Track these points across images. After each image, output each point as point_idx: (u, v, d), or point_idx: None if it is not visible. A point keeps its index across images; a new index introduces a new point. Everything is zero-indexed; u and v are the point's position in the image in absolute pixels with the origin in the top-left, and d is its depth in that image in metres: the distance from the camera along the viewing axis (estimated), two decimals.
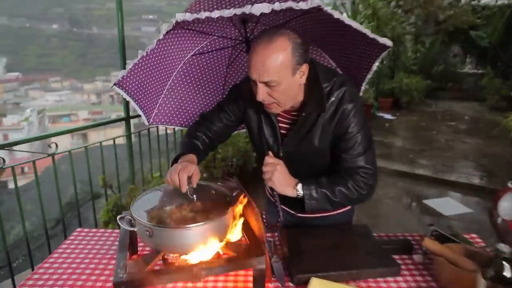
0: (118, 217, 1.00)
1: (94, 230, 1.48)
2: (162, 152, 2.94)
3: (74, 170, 2.20)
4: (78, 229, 1.49)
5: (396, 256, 1.29)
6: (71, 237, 1.42)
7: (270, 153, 1.27)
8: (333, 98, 1.24)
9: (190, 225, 0.99)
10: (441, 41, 11.06)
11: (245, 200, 1.14)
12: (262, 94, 1.17)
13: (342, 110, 1.24)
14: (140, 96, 1.53)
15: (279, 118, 1.35)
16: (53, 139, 2.16)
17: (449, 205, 4.06)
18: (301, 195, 1.24)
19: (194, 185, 1.12)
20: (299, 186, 1.24)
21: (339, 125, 1.25)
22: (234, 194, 1.18)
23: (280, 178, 1.22)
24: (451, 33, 10.97)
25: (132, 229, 0.98)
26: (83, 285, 1.11)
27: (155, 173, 2.89)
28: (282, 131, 1.35)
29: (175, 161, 1.28)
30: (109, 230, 1.47)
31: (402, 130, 7.45)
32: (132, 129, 2.62)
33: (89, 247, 1.34)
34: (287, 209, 1.54)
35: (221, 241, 1.07)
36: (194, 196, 1.11)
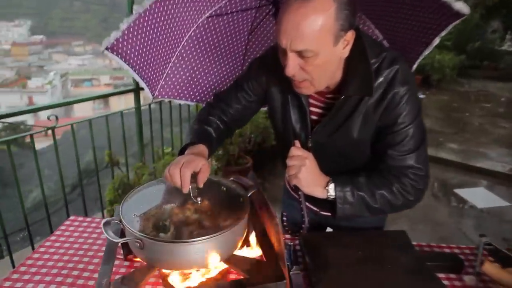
0: (103, 221, 0.78)
1: (89, 219, 1.29)
2: (175, 126, 2.72)
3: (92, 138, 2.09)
4: (71, 217, 1.30)
5: (441, 275, 1.05)
6: (63, 227, 1.24)
7: (297, 143, 1.02)
8: (381, 79, 0.97)
9: (191, 240, 0.77)
10: (479, 15, 10.22)
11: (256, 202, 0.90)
12: (292, 67, 0.90)
13: (393, 94, 0.96)
14: (142, 64, 1.28)
15: (310, 101, 1.08)
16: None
17: (483, 196, 3.74)
18: (333, 197, 0.99)
19: (201, 185, 0.89)
20: (331, 186, 0.99)
21: (386, 113, 0.98)
22: (249, 195, 0.95)
23: (308, 176, 0.98)
24: (491, 7, 10.11)
25: (118, 240, 0.76)
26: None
27: (167, 148, 2.69)
28: (313, 117, 1.09)
29: (182, 152, 1.04)
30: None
31: (431, 110, 6.98)
32: (142, 102, 2.40)
33: (85, 235, 1.16)
34: (310, 205, 1.31)
35: (229, 255, 0.85)
36: (198, 199, 0.87)
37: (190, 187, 0.85)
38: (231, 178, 1.02)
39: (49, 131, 1.92)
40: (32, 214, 5.64)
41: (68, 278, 0.95)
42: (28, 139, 2.04)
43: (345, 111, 1.01)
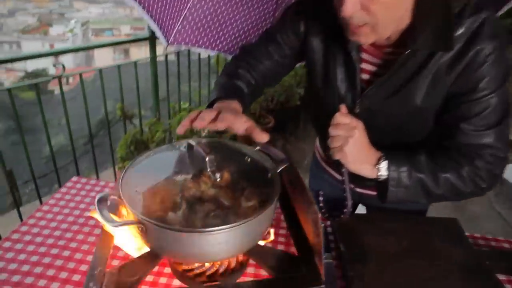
0: (97, 198, 0.62)
1: (92, 182, 1.14)
2: (193, 81, 2.52)
3: (109, 88, 1.95)
4: (74, 179, 1.16)
5: (502, 277, 0.87)
6: (64, 189, 1.10)
7: (344, 108, 0.81)
8: (461, 30, 0.73)
9: (208, 230, 0.59)
10: None
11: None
12: (352, 4, 0.68)
13: (476, 51, 0.73)
14: (157, 6, 1.06)
15: (362, 56, 0.86)
16: (95, 52, 2.08)
17: None
18: (384, 177, 0.80)
19: (265, 138, 0.73)
20: (383, 164, 0.79)
21: (465, 75, 0.75)
22: (279, 170, 0.76)
23: (356, 150, 0.78)
24: None
25: (114, 225, 0.59)
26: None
27: (184, 103, 2.51)
28: (364, 76, 0.87)
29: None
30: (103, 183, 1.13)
31: None
32: (160, 52, 2.19)
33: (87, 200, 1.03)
34: (336, 175, 1.12)
35: (252, 246, 0.68)
36: (218, 175, 0.69)
37: (207, 159, 0.66)
38: (257, 147, 0.83)
39: (71, 79, 1.78)
40: (50, 163, 5.69)
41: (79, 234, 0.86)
42: (46, 87, 1.90)
43: (409, 69, 0.78)
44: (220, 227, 0.58)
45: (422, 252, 0.89)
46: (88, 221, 0.94)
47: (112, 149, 2.09)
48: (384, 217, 1.01)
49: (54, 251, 0.84)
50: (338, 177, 1.12)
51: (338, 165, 0.82)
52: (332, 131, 0.79)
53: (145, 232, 0.61)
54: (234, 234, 0.61)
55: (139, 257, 0.66)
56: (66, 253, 0.83)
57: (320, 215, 0.65)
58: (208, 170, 0.67)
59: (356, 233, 0.92)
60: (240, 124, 0.76)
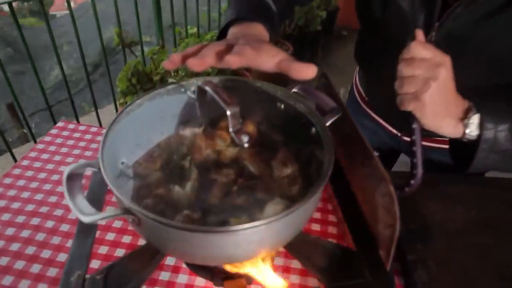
0: (66, 174, 0.40)
1: (82, 128, 0.94)
2: (201, 5, 2.17)
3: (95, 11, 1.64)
4: (60, 124, 0.95)
5: None
6: (47, 138, 0.90)
7: (421, 34, 0.55)
8: None
9: (233, 229, 0.38)
10: None
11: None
12: None
13: None
14: None
15: None
16: None
17: None
18: (473, 137, 0.56)
19: (268, 65, 0.47)
20: (474, 119, 0.55)
21: None
22: (329, 123, 0.53)
23: (439, 99, 0.53)
24: None
25: (88, 220, 0.38)
26: None
27: (191, 28, 2.18)
28: None
29: (222, 36, 0.60)
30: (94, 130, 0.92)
31: None
32: None
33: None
34: (383, 123, 0.90)
35: (293, 238, 0.48)
36: (245, 138, 0.46)
37: (229, 113, 0.43)
38: (294, 89, 0.59)
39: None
40: (55, 93, 5.45)
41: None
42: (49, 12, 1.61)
43: None
44: (253, 224, 0.37)
45: (496, 226, 0.69)
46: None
47: (111, 82, 1.85)
48: (444, 178, 0.80)
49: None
50: (393, 130, 0.89)
51: (405, 119, 0.58)
52: (405, 69, 0.54)
53: (139, 225, 0.40)
54: (271, 230, 0.40)
55: (134, 254, 0.47)
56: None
57: (394, 194, 0.44)
58: (231, 130, 0.44)
59: (412, 202, 0.72)
60: (268, 58, 0.50)
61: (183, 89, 0.53)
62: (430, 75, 0.52)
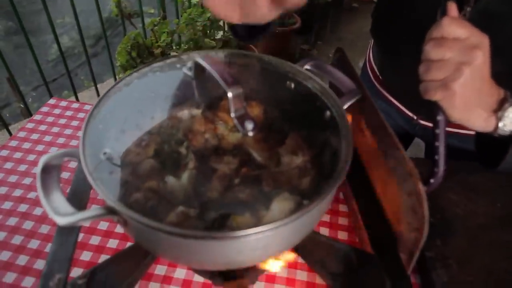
0: (41, 163, 0.35)
1: (75, 106, 0.87)
2: None
3: None
4: (51, 101, 0.88)
5: None
6: (37, 116, 0.84)
7: (454, 8, 0.46)
8: None
9: (237, 235, 0.32)
10: None
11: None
12: None
13: None
14: None
15: None
16: None
17: None
18: (508, 132, 0.49)
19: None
20: (510, 111, 0.48)
21: None
22: (346, 106, 0.46)
23: (471, 87, 0.45)
24: None
25: (64, 224, 0.32)
26: None
27: None
28: None
29: None
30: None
31: None
32: None
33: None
34: (398, 104, 0.83)
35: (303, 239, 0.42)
36: (250, 125, 0.39)
37: (230, 94, 0.36)
38: (306, 66, 0.52)
39: None
40: (58, 66, 5.34)
41: None
42: None
43: None
44: (257, 230, 0.31)
45: None
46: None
47: (110, 56, 1.77)
48: (465, 166, 0.73)
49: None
50: (408, 113, 0.82)
51: (422, 103, 0.50)
52: (434, 50, 0.45)
53: (126, 225, 0.35)
54: (279, 234, 0.34)
55: (121, 255, 0.42)
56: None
57: (423, 194, 0.37)
58: (233, 115, 0.38)
59: (430, 193, 0.65)
60: None
61: (178, 65, 0.46)
62: (464, 59, 0.44)
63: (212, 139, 0.50)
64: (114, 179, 0.38)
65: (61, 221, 0.32)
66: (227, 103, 0.51)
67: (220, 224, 0.40)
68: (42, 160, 0.36)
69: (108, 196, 0.33)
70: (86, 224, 0.58)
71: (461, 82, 0.44)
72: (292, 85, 0.51)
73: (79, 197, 0.42)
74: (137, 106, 0.44)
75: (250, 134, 0.38)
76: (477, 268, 0.56)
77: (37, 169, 0.35)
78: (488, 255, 0.58)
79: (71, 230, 0.41)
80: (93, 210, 0.33)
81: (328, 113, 0.47)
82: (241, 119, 0.38)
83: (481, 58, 0.44)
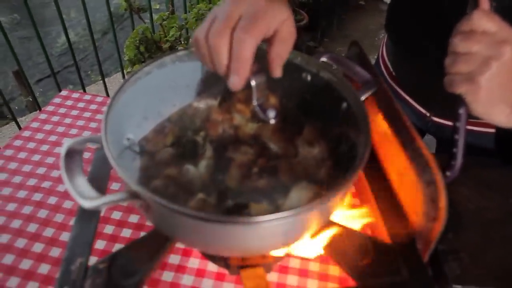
0: (64, 149, 0.35)
1: (87, 97, 0.88)
2: None
3: None
4: (63, 93, 0.89)
5: None
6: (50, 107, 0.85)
7: (486, 1, 0.46)
8: None
9: (251, 220, 0.32)
10: None
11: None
12: None
13: None
14: None
15: None
16: None
17: None
18: None
19: (278, 72, 0.40)
20: None
21: None
22: (364, 97, 0.46)
23: (498, 82, 0.44)
24: None
25: (88, 206, 0.33)
26: None
27: None
28: None
29: None
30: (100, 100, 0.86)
31: None
32: None
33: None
34: (411, 101, 0.82)
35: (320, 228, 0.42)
36: (272, 114, 0.39)
37: (252, 82, 0.36)
38: (323, 58, 0.52)
39: None
40: (61, 58, 5.36)
41: None
42: None
43: None
44: (279, 215, 0.31)
45: None
46: None
47: (118, 50, 1.77)
48: (478, 161, 0.73)
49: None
50: (422, 110, 0.81)
51: (436, 100, 0.50)
52: (462, 43, 0.45)
53: (147, 210, 0.35)
54: (299, 221, 0.34)
55: (140, 242, 0.42)
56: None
57: (442, 184, 0.38)
58: (255, 103, 0.38)
59: (448, 185, 0.65)
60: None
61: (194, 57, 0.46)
62: (492, 53, 0.43)
63: (229, 129, 0.50)
64: (135, 165, 0.38)
65: (87, 204, 0.32)
66: (243, 95, 0.51)
67: (238, 211, 0.40)
68: (65, 146, 0.36)
69: (132, 181, 0.33)
70: (105, 207, 0.59)
71: (488, 77, 0.44)
72: (309, 77, 0.51)
73: (99, 181, 0.43)
74: (158, 94, 0.44)
75: (272, 122, 0.38)
76: (489, 262, 0.56)
77: (61, 154, 0.36)
78: (501, 249, 0.58)
79: (91, 215, 0.41)
80: (117, 194, 0.34)
81: (344, 104, 0.47)
82: (264, 107, 0.38)
83: (509, 54, 0.43)
